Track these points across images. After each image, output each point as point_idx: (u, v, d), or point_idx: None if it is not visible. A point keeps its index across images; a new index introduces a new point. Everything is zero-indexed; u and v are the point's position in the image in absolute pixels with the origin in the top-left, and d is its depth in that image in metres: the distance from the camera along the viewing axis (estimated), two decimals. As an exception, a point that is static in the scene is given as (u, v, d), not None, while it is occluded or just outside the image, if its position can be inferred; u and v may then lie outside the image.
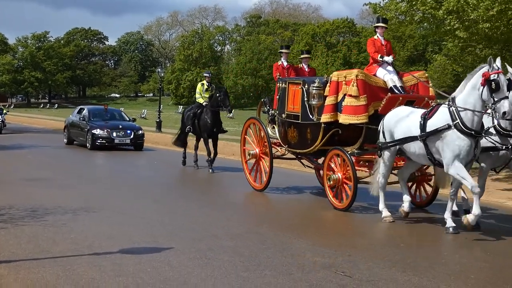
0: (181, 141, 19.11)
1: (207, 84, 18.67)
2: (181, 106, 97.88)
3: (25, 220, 10.14)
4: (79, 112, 27.67)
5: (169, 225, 10.03)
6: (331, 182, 11.60)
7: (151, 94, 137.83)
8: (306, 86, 12.49)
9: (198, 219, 10.64)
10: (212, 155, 17.64)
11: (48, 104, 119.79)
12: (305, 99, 12.46)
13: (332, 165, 11.80)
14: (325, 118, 11.87)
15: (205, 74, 19.77)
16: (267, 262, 7.74)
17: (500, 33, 15.55)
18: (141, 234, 9.25)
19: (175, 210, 11.55)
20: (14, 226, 9.66)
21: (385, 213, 10.72)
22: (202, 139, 18.20)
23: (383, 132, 10.72)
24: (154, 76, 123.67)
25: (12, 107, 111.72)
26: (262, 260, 7.86)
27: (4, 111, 36.94)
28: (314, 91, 12.10)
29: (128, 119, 27.30)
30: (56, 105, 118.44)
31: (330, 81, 11.95)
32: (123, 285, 6.69)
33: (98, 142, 24.35)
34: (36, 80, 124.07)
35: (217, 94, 17.55)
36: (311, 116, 12.35)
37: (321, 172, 13.67)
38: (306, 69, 14.79)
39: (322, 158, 12.78)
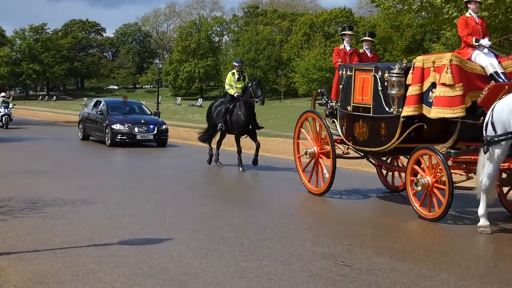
0: (208, 137, 17.53)
1: (238, 73, 16.85)
2: (179, 98, 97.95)
3: (24, 212, 10.14)
4: (96, 105, 25.62)
5: (169, 216, 10.03)
6: (418, 188, 9.86)
7: (150, 86, 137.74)
8: (379, 73, 10.71)
9: (197, 210, 10.64)
10: (242, 151, 16.26)
11: (47, 96, 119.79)
12: (379, 88, 10.67)
13: (418, 167, 10.10)
14: (407, 111, 10.10)
15: (234, 63, 17.61)
16: (266, 252, 7.75)
17: (498, 22, 15.56)
18: (140, 226, 9.25)
19: (175, 201, 11.55)
20: (13, 218, 9.66)
21: (483, 222, 9.10)
22: (221, 136, 17.13)
23: (493, 124, 8.97)
24: (152, 67, 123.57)
25: (10, 99, 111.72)
26: (261, 250, 7.87)
27: (11, 105, 34.87)
28: (394, 79, 10.25)
29: (149, 113, 25.42)
30: (55, 97, 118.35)
31: (414, 67, 10.17)
32: (123, 276, 6.69)
33: (118, 138, 22.44)
34: (34, 73, 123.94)
35: (249, 84, 16.06)
36: (387, 109, 10.53)
37: (383, 171, 12.85)
38: (369, 54, 12.94)
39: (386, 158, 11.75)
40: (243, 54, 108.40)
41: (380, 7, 20.21)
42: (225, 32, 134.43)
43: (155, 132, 22.79)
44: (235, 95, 16.35)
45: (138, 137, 22.55)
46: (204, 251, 7.79)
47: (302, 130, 13.00)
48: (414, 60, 10.33)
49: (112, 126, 22.56)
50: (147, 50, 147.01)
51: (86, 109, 26.91)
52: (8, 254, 7.56)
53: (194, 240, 8.37)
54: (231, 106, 16.34)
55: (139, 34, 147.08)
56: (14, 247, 7.92)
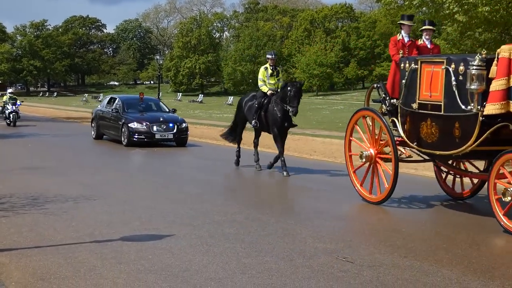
0: (234, 135, 16.39)
1: (271, 67, 15.34)
2: (180, 94, 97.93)
3: (26, 209, 10.15)
4: (110, 102, 24.11)
5: (170, 212, 10.03)
6: (508, 199, 8.62)
7: (150, 82, 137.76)
8: (453, 66, 9.40)
9: (198, 206, 10.64)
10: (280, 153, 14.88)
11: (47, 93, 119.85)
12: (453, 83, 9.31)
13: (504, 172, 8.87)
14: (491, 108, 8.79)
15: (268, 56, 15.64)
16: (268, 249, 7.74)
17: (499, 17, 15.51)
18: (141, 222, 9.25)
19: (176, 198, 11.55)
20: (15, 215, 9.66)
21: None
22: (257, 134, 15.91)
23: None
24: (153, 63, 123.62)
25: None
26: (263, 246, 7.87)
27: (19, 101, 33.20)
28: (474, 72, 8.95)
29: (167, 110, 23.54)
30: (56, 93, 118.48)
31: (498, 58, 8.93)
32: (125, 272, 6.69)
33: (135, 138, 20.98)
34: (35, 69, 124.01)
35: (288, 88, 14.46)
36: (462, 106, 9.19)
37: (442, 176, 11.84)
38: (429, 45, 11.42)
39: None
40: (243, 50, 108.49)
41: (380, 3, 20.19)
42: (225, 28, 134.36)
43: (174, 131, 21.33)
44: (268, 93, 15.05)
45: (157, 136, 21.10)
46: (205, 247, 7.79)
47: (358, 129, 11.54)
48: (498, 50, 9.05)
49: (129, 125, 21.20)
50: (147, 46, 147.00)
51: (99, 106, 25.44)
52: (9, 250, 7.56)
53: (196, 236, 8.37)
54: (265, 101, 15.04)
55: (139, 30, 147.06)
56: (16, 243, 7.92)
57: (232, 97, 78.63)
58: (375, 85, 11.56)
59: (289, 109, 14.36)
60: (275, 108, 14.67)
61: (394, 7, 17.31)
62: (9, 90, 34.67)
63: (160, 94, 50.63)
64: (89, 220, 9.37)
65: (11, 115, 31.71)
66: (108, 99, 24.98)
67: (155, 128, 21.13)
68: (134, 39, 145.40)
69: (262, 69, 15.54)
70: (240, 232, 8.66)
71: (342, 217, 9.89)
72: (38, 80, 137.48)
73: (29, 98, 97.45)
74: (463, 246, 8.03)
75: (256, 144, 15.75)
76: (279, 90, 14.95)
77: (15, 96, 34.08)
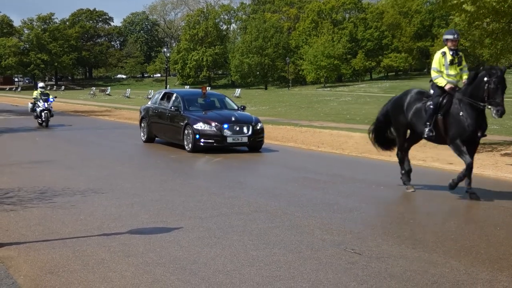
0: (386, 141, 12.61)
1: (451, 53, 11.12)
2: (188, 86, 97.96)
3: (34, 202, 10.18)
4: (164, 98, 20.59)
5: (178, 205, 10.04)
6: None
7: (158, 75, 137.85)
8: None
9: (206, 199, 10.64)
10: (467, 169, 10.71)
11: (55, 86, 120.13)
12: None
13: None
14: None
15: (446, 36, 11.17)
16: (276, 241, 7.74)
17: (507, 6, 15.39)
18: (149, 215, 9.27)
19: (184, 190, 11.55)
20: (23, 208, 9.69)
21: None
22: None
23: None
24: (160, 56, 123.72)
25: (19, 89, 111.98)
26: (271, 238, 7.86)
27: (51, 97, 28.17)
28: None
29: (235, 107, 19.78)
30: (63, 87, 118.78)
31: None
32: (133, 265, 6.70)
33: (202, 142, 17.46)
34: (42, 62, 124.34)
35: (485, 78, 10.32)
36: None
37: None
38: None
39: None
40: (250, 42, 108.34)
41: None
42: (232, 20, 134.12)
43: (249, 133, 17.71)
44: (447, 87, 11.05)
45: (229, 140, 17.51)
46: (213, 239, 7.80)
47: None
48: None
49: (194, 126, 17.59)
50: (154, 39, 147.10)
51: (149, 103, 21.80)
52: (18, 244, 7.59)
53: (204, 228, 8.37)
54: (444, 100, 10.98)
55: (146, 23, 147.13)
56: (24, 237, 7.95)
57: (239, 89, 78.61)
58: None
59: (490, 109, 10.32)
60: (462, 111, 10.62)
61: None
62: (40, 84, 29.55)
63: (168, 87, 50.68)
64: (97, 213, 9.39)
65: (43, 114, 27.49)
66: (161, 94, 21.21)
67: (226, 130, 17.53)
68: (141, 32, 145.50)
69: (438, 54, 11.27)
70: (248, 224, 8.66)
71: (350, 209, 9.88)
72: (46, 74, 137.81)
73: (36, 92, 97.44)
74: (472, 237, 8.01)
75: (404, 157, 11.97)
76: (465, 82, 10.93)
77: (47, 91, 29.75)
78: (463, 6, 15.67)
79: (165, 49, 47.84)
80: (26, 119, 31.55)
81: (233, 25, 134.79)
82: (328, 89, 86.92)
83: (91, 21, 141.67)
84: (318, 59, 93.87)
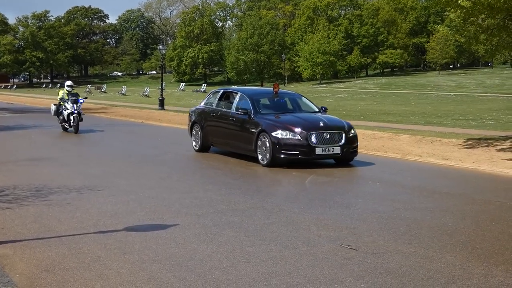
0: None
1: None
2: (183, 83, 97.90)
3: (29, 200, 10.17)
4: (223, 98, 17.02)
5: (174, 202, 10.04)
6: None
7: (154, 72, 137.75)
8: None
9: (202, 195, 10.65)
10: None
11: (51, 84, 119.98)
12: None
13: None
14: None
15: None
16: (272, 237, 7.75)
17: (503, 2, 15.39)
18: (146, 212, 9.26)
19: (180, 187, 11.55)
20: (19, 206, 9.68)
21: None
22: None
23: None
24: (156, 53, 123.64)
25: (14, 87, 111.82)
26: (267, 235, 7.87)
27: (81, 98, 24.35)
28: None
29: (316, 109, 16.10)
30: (59, 84, 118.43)
31: None
32: (129, 262, 6.70)
33: (284, 154, 14.00)
34: (37, 60, 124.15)
35: None
36: None
37: None
38: None
39: None
40: (246, 38, 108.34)
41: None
42: (228, 17, 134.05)
43: (342, 142, 14.21)
44: None
45: (318, 151, 13.94)
46: (209, 236, 7.80)
47: None
48: None
49: (273, 134, 14.14)
50: (150, 36, 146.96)
51: (201, 104, 18.19)
52: (13, 242, 7.58)
53: (200, 225, 8.38)
54: None
55: (142, 20, 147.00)
56: (20, 234, 7.94)
57: (235, 87, 78.68)
58: None
59: None
60: None
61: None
62: (68, 83, 24.77)
63: (164, 84, 50.60)
64: (93, 210, 9.39)
65: (71, 117, 23.42)
66: (220, 93, 17.34)
67: (314, 138, 14.05)
68: (137, 29, 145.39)
69: None
70: (244, 220, 8.67)
71: (346, 204, 9.89)
72: (41, 72, 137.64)
73: (32, 90, 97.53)
74: (467, 232, 8.03)
75: None
76: None
77: (75, 91, 25.13)
78: (459, 2, 15.65)
79: (160, 46, 47.71)
80: (21, 117, 31.50)
81: (229, 22, 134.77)
82: (324, 85, 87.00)
83: (86, 19, 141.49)
84: (313, 56, 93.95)
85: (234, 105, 15.97)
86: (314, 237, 7.74)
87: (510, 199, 10.33)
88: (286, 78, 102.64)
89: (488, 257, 6.83)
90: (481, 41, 17.82)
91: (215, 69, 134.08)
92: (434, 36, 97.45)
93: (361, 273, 6.26)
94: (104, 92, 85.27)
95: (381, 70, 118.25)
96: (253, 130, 14.82)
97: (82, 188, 11.27)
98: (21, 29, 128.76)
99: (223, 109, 16.50)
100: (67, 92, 23.95)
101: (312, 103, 16.61)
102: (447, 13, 18.65)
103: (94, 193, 10.84)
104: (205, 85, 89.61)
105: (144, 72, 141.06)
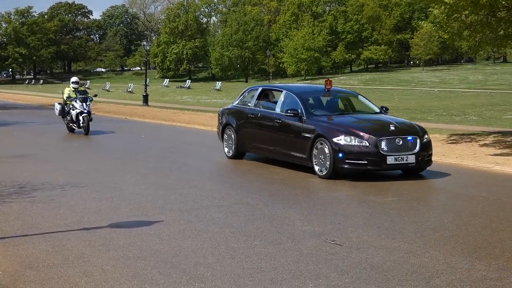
0: None
1: None
2: (167, 80, 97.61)
3: (13, 197, 10.11)
4: (263, 96, 14.85)
5: (158, 198, 10.02)
6: None
7: (138, 68, 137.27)
8: None
9: (187, 191, 10.63)
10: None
11: (34, 80, 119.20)
12: None
13: None
14: None
15: None
16: (257, 233, 7.75)
17: (486, -2, 15.46)
18: (130, 208, 9.24)
19: (164, 183, 11.52)
20: (1, 203, 9.61)
21: None
22: None
23: None
24: (140, 49, 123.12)
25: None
26: (252, 230, 7.88)
27: (90, 96, 22.22)
28: None
29: (377, 110, 13.91)
30: (42, 80, 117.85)
31: None
32: (113, 259, 6.68)
33: (348, 164, 11.81)
34: (20, 56, 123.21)
35: None
36: None
37: None
38: None
39: None
40: (231, 35, 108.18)
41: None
42: (213, 13, 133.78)
43: (416, 149, 12.01)
44: None
45: (390, 160, 11.76)
46: (194, 232, 7.79)
47: None
48: None
49: (334, 140, 11.95)
50: (134, 32, 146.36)
51: (234, 103, 15.85)
52: (-3, 239, 7.53)
53: (184, 221, 8.37)
54: None
55: (126, 16, 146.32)
56: (3, 232, 7.89)
57: (219, 83, 78.45)
58: None
59: None
60: None
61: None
62: (73, 79, 22.52)
63: (148, 81, 50.39)
64: (77, 207, 9.34)
65: (81, 118, 21.31)
66: (258, 91, 15.06)
67: (385, 145, 11.86)
68: (121, 25, 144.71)
69: None
70: (229, 216, 8.67)
71: (330, 200, 9.91)
72: (24, 68, 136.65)
73: (15, 86, 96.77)
74: (451, 227, 8.08)
75: None
76: None
77: (83, 88, 23.45)
78: (442, -2, 15.71)
79: (144, 43, 47.51)
80: (3, 114, 31.26)
81: (213, 18, 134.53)
82: (309, 81, 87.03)
83: (70, 15, 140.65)
84: (298, 52, 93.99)
85: (279, 105, 13.81)
86: (298, 233, 7.76)
87: (492, 194, 10.40)
88: (271, 74, 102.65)
89: (471, 252, 6.88)
90: (465, 37, 17.89)
91: (200, 65, 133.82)
92: (418, 32, 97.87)
93: (345, 268, 6.29)
94: (88, 88, 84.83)
95: (366, 66, 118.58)
96: (306, 135, 12.56)
97: (66, 184, 11.22)
98: (3, 25, 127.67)
99: (264, 110, 14.33)
100: (73, 89, 21.85)
101: (371, 102, 14.41)
102: (431, 9, 18.73)
103: (78, 189, 10.79)
104: (190, 81, 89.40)
105: (128, 68, 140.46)
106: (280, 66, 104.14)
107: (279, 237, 7.53)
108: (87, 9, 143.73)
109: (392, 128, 12.14)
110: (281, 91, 14.25)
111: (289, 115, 13.07)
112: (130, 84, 78.96)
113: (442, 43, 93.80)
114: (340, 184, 11.37)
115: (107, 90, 74.92)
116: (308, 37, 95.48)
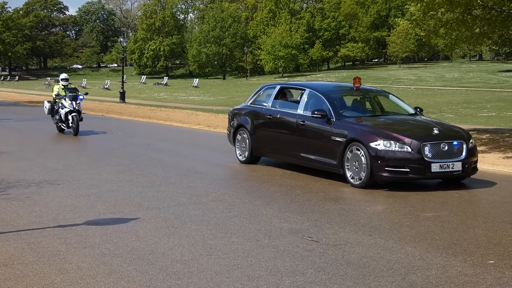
0: None
1: None
2: (145, 76, 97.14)
3: (-13, 194, 9.99)
4: (281, 95, 13.58)
5: (135, 195, 9.97)
6: None
7: (114, 65, 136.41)
8: None
9: (164, 189, 10.60)
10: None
11: (9, 77, 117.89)
12: None
13: None
14: None
15: None
16: (234, 230, 7.76)
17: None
18: (106, 206, 9.18)
19: (140, 180, 11.47)
20: (-24, 201, 9.50)
21: None
22: None
23: None
24: (117, 46, 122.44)
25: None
26: (229, 227, 7.87)
27: (80, 94, 20.75)
28: None
29: (411, 111, 12.61)
30: (17, 77, 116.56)
31: None
32: (89, 256, 6.64)
33: (389, 172, 10.53)
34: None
35: None
36: None
37: None
38: None
39: None
40: (208, 31, 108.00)
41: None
42: (190, 10, 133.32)
43: (463, 155, 10.82)
44: None
45: (434, 168, 10.50)
46: (171, 229, 7.77)
47: None
48: None
49: (371, 145, 10.66)
50: (111, 29, 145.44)
51: (247, 102, 14.46)
52: (-29, 236, 7.44)
53: (161, 218, 8.34)
54: None
55: (102, 12, 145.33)
56: (-23, 229, 7.80)
57: (197, 79, 78.28)
58: None
59: None
60: None
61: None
62: (62, 76, 21.58)
63: (124, 77, 50.12)
64: (52, 205, 9.27)
65: (70, 117, 20.03)
66: (276, 90, 13.70)
67: (428, 151, 10.63)
68: (97, 21, 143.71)
69: None
70: (206, 213, 8.66)
71: (308, 197, 9.94)
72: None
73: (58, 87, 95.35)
74: (427, 223, 8.14)
75: None
76: None
77: (74, 86, 21.92)
78: (418, -5, 15.81)
79: (121, 39, 47.22)
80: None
81: (191, 14, 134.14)
82: (286, 79, 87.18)
83: (45, 10, 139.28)
84: (276, 49, 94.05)
85: (301, 105, 12.48)
86: (275, 230, 7.77)
87: (468, 191, 10.51)
88: (248, 72, 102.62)
89: (447, 248, 6.94)
90: (441, 35, 18.03)
91: (177, 62, 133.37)
92: (395, 30, 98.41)
93: (322, 265, 6.31)
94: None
95: (343, 64, 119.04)
96: (337, 139, 11.26)
97: (41, 182, 11.12)
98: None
99: (283, 111, 12.94)
100: (63, 87, 20.70)
101: (405, 102, 13.22)
102: (407, 6, 18.85)
103: (54, 187, 10.71)
104: (167, 78, 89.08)
105: (104, 65, 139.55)
106: (258, 63, 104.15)
107: (256, 234, 7.54)
108: (63, 4, 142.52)
109: (436, 131, 10.93)
110: (304, 90, 12.84)
111: (316, 117, 11.72)
112: (107, 81, 78.49)
113: (418, 41, 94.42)
114: (318, 183, 11.39)
115: (84, 87, 74.37)
116: (286, 34, 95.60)
